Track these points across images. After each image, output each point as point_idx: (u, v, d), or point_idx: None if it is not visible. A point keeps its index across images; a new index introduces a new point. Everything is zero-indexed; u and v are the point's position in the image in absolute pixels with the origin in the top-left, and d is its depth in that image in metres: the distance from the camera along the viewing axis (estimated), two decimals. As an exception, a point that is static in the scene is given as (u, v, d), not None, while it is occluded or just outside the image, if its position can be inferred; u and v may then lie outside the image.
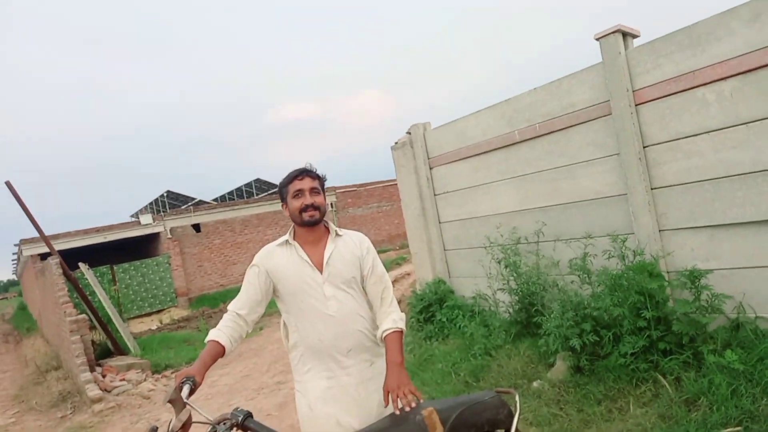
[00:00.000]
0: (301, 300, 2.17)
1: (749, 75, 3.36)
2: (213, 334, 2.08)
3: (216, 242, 19.16)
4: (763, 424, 2.64)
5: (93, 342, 8.83)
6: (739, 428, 2.68)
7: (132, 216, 27.38)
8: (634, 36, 4.09)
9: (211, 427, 1.66)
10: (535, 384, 3.75)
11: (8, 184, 8.54)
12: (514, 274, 4.63)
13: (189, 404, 1.68)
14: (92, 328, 9.55)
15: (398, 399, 1.93)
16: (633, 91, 3.98)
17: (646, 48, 3.91)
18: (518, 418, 1.91)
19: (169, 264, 18.01)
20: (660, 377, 3.23)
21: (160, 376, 7.40)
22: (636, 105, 3.97)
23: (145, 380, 7.16)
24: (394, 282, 12.01)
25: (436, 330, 5.38)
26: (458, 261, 5.87)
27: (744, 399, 2.80)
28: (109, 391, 6.56)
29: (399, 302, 8.54)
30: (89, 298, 10.15)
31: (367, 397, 2.15)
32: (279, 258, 2.23)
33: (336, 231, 2.29)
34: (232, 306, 2.20)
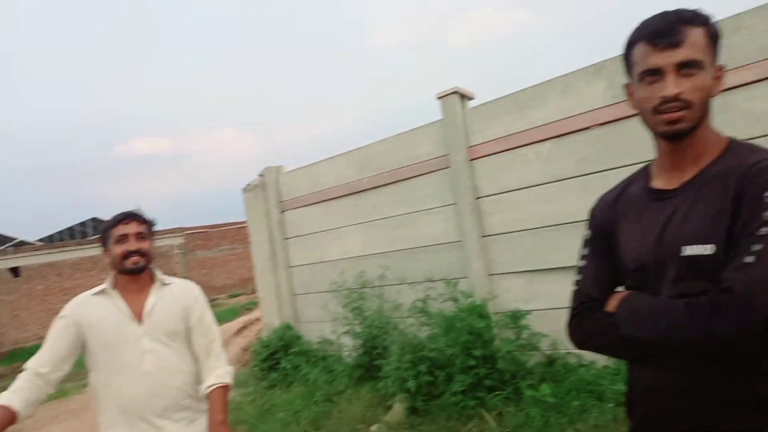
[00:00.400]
0: (114, 355, 1.96)
1: (562, 138, 3.84)
2: (3, 398, 1.80)
3: (38, 288, 17.03)
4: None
5: None
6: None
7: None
8: (471, 98, 4.50)
9: None
10: (373, 428, 3.77)
11: None
12: (359, 318, 4.70)
13: None
14: None
15: None
16: (469, 147, 4.35)
17: (479, 109, 4.32)
18: None
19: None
20: (485, 413, 3.43)
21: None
22: (471, 160, 4.33)
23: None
24: (243, 328, 11.52)
25: (280, 378, 5.22)
26: (306, 305, 5.82)
27: (554, 429, 3.06)
28: None
29: (245, 350, 8.20)
30: None
31: None
32: (93, 308, 2.01)
33: (162, 280, 2.14)
34: (32, 363, 1.92)
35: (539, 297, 3.99)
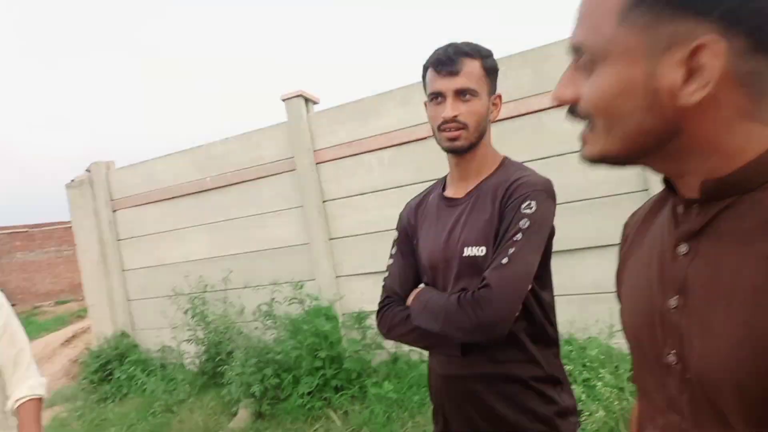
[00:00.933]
0: None
1: (402, 147, 4.05)
2: None
3: None
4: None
5: None
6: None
7: None
8: (315, 102, 4.55)
9: None
10: (216, 436, 3.68)
11: None
12: (202, 324, 4.53)
13: None
14: None
15: None
16: (314, 151, 4.39)
17: (324, 114, 4.39)
18: None
19: None
20: (331, 413, 3.52)
21: None
22: (317, 163, 4.39)
23: None
24: (73, 338, 10.45)
25: (114, 390, 4.84)
26: (144, 312, 5.45)
27: (396, 424, 3.24)
28: None
29: (75, 361, 7.46)
30: None
31: None
32: None
33: None
34: None
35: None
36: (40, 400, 1.87)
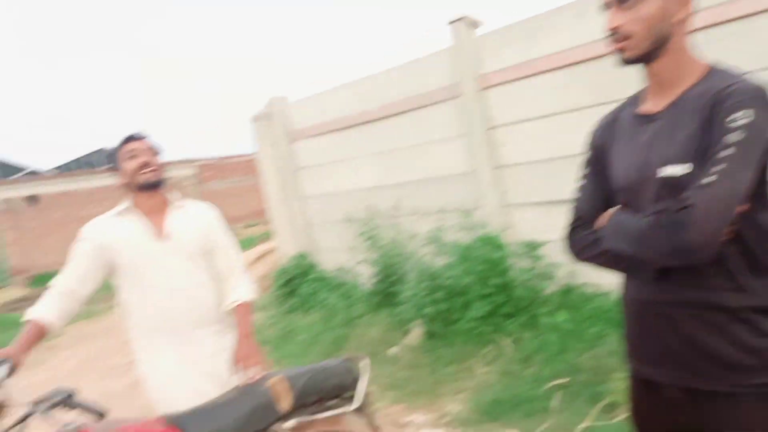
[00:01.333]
0: (142, 273, 2.05)
1: (577, 66, 3.76)
2: (31, 313, 1.90)
3: (56, 216, 17.35)
4: (586, 375, 3.04)
5: None
6: (566, 380, 3.06)
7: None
8: (481, 24, 4.36)
9: (29, 408, 1.56)
10: (392, 350, 3.98)
11: None
12: (374, 247, 4.83)
13: (2, 386, 1.57)
14: None
15: (245, 370, 1.96)
16: (479, 76, 4.26)
17: (490, 36, 4.20)
18: (366, 381, 2.00)
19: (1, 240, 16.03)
20: (502, 339, 3.59)
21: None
22: (482, 89, 4.27)
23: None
24: (262, 257, 11.80)
25: (299, 303, 5.44)
26: (321, 235, 5.95)
27: (571, 354, 3.21)
28: None
29: (264, 277, 8.47)
30: None
31: (219, 368, 2.10)
32: (116, 229, 2.08)
33: (178, 201, 2.20)
34: (57, 281, 2.02)
35: (557, 228, 4.04)
36: (251, 303, 2.17)
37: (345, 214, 5.38)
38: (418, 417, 3.15)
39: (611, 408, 2.65)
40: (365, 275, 5.08)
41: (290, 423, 1.82)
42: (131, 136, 2.11)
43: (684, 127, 1.14)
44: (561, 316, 3.41)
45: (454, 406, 3.16)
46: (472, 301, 3.78)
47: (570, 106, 3.81)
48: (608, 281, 3.64)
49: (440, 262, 4.25)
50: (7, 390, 1.58)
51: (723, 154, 1.05)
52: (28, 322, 1.88)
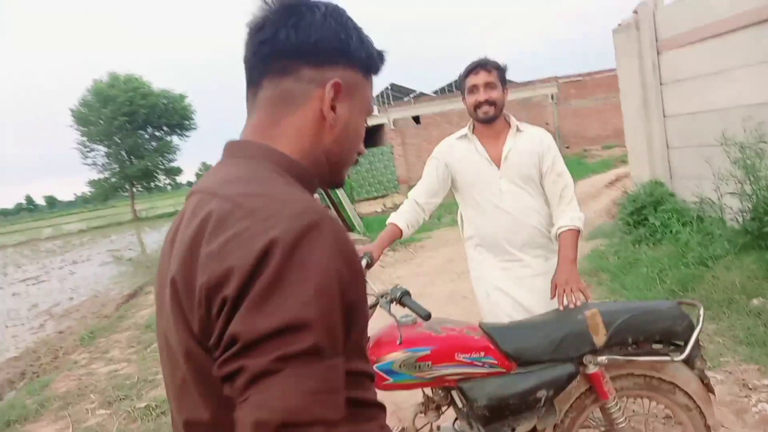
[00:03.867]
0: (477, 193, 2.23)
1: None
2: (392, 218, 2.29)
3: (434, 134, 19.74)
4: None
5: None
6: None
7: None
8: None
9: (375, 298, 1.89)
10: (754, 301, 3.34)
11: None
12: (752, 177, 4.00)
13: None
14: (327, 207, 10.97)
15: (564, 295, 1.96)
16: None
17: None
18: (699, 330, 1.77)
19: (392, 153, 19.29)
20: None
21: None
22: None
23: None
24: (615, 181, 11.18)
25: (647, 234, 4.99)
26: (683, 160, 5.23)
27: None
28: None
29: (615, 202, 8.04)
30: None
31: (541, 288, 2.17)
32: (458, 151, 2.28)
33: (517, 126, 2.24)
34: (412, 194, 2.35)
35: None
36: (578, 230, 2.14)
37: (716, 136, 4.56)
38: (774, 382, 2.61)
39: None
40: (734, 210, 4.28)
41: (602, 358, 1.76)
42: (473, 66, 2.20)
43: None
44: None
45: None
46: None
47: None
48: None
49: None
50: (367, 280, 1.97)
51: None
52: (388, 225, 2.29)
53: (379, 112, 19.87)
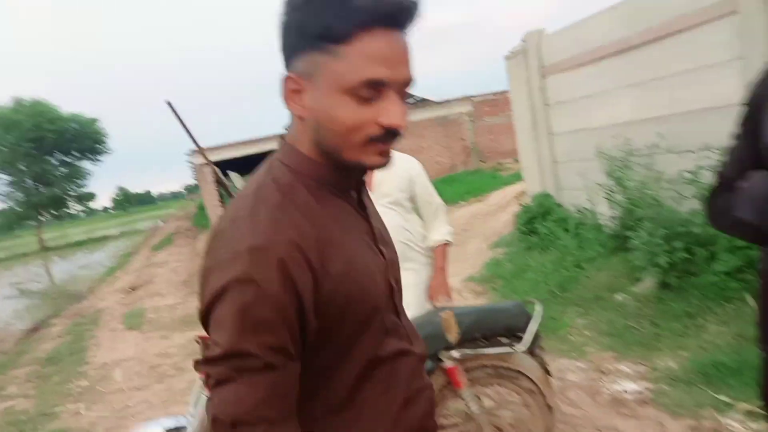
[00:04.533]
0: None
1: None
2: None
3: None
4: None
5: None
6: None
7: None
8: None
9: None
10: (618, 297, 3.74)
11: (168, 103, 9.68)
12: (620, 188, 4.47)
13: None
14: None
15: (435, 300, 2.27)
16: (765, -18, 3.46)
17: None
18: (537, 324, 2.03)
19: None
20: (748, 297, 3.07)
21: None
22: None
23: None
24: (523, 192, 11.80)
25: (538, 242, 5.42)
26: (567, 174, 5.72)
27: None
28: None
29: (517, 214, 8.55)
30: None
31: (411, 301, 2.39)
32: None
33: None
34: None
35: None
36: (448, 244, 2.50)
37: (593, 151, 5.06)
38: (625, 367, 2.97)
39: None
40: (606, 217, 4.76)
41: (455, 353, 2.00)
42: None
43: None
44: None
45: (669, 362, 2.89)
46: (719, 252, 3.29)
47: None
48: None
49: (687, 207, 3.74)
50: None
51: None
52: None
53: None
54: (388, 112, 0.77)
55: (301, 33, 0.77)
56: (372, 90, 0.76)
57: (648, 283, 3.66)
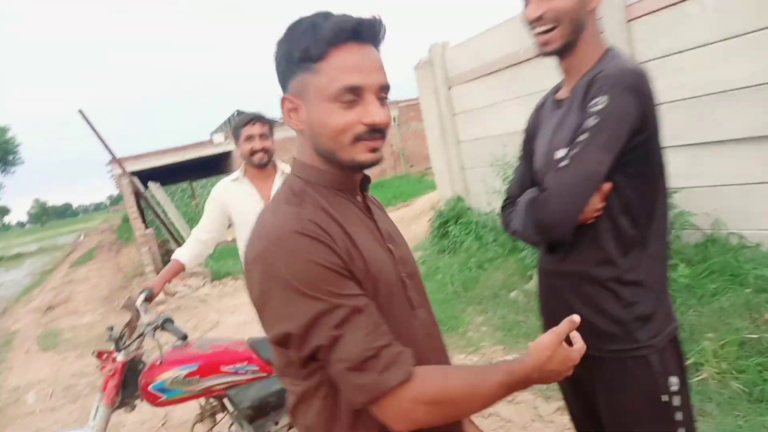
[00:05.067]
0: (249, 230, 2.59)
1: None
2: (176, 253, 2.56)
3: (285, 158, 19.85)
4: (682, 333, 2.79)
5: (169, 251, 9.95)
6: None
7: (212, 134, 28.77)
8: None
9: (143, 327, 2.16)
10: (512, 294, 4.08)
11: (80, 112, 9.37)
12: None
13: (138, 309, 2.19)
14: (175, 240, 10.70)
15: None
16: (626, 7, 3.89)
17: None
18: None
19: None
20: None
21: (218, 282, 8.34)
22: (628, 21, 3.89)
23: (203, 286, 8.14)
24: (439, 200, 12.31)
25: (449, 245, 5.73)
26: (474, 179, 6.08)
27: (679, 309, 2.99)
28: (172, 295, 7.56)
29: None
30: (166, 213, 11.27)
31: None
32: (232, 193, 2.61)
33: (283, 169, 2.64)
34: (195, 230, 2.65)
35: (703, 173, 3.64)
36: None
37: (492, 158, 5.42)
38: (511, 358, 3.27)
39: (695, 369, 2.49)
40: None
41: None
42: (251, 118, 2.55)
43: (574, 113, 1.20)
44: (681, 271, 3.14)
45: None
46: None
47: (722, 35, 3.32)
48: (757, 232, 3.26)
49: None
50: (143, 312, 2.21)
51: (579, 139, 1.12)
52: (171, 260, 2.55)
53: (225, 138, 19.67)
54: (368, 112, 0.90)
55: (288, 60, 0.92)
56: (352, 94, 0.89)
57: (536, 280, 4.01)
